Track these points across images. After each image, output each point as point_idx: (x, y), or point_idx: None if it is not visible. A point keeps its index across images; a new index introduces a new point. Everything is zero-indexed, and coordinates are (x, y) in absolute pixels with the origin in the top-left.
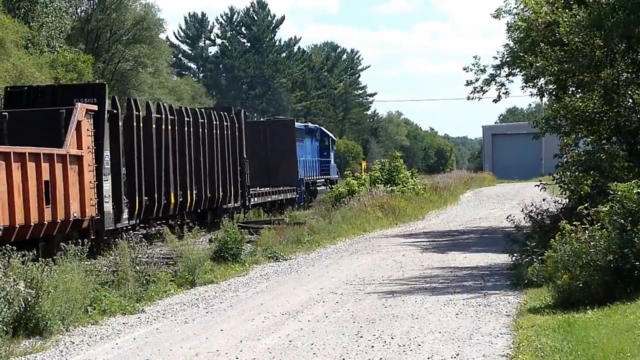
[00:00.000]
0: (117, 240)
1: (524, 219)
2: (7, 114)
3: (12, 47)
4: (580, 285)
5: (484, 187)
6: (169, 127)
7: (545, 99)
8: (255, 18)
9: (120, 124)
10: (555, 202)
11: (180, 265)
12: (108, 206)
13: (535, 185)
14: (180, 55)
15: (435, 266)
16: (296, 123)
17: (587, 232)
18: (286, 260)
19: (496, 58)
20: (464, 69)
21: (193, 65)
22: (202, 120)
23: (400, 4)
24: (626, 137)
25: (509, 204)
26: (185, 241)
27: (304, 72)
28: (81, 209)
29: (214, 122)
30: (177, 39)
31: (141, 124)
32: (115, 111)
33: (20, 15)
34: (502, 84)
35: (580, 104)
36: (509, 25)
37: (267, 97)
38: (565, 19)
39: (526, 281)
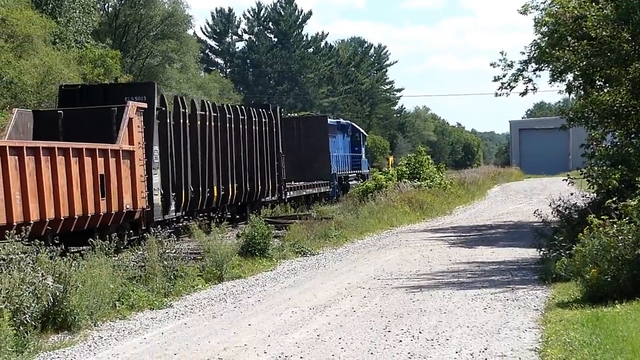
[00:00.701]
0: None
1: (552, 213)
2: (62, 111)
3: (39, 42)
4: (609, 279)
5: (511, 182)
6: (212, 123)
7: (573, 95)
8: (282, 13)
9: (168, 120)
10: (583, 197)
11: (208, 260)
12: (157, 198)
13: (562, 180)
14: (207, 51)
15: (463, 261)
16: (329, 119)
17: (615, 226)
18: (314, 255)
19: (523, 53)
20: (491, 64)
21: (220, 61)
22: (242, 117)
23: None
24: None
25: (537, 199)
26: (213, 236)
27: (331, 67)
28: (133, 201)
29: (253, 119)
30: (205, 34)
31: (187, 121)
32: (163, 108)
33: (47, 10)
34: (530, 79)
35: (608, 98)
36: (536, 20)
37: (294, 92)
38: (593, 13)
39: (554, 275)
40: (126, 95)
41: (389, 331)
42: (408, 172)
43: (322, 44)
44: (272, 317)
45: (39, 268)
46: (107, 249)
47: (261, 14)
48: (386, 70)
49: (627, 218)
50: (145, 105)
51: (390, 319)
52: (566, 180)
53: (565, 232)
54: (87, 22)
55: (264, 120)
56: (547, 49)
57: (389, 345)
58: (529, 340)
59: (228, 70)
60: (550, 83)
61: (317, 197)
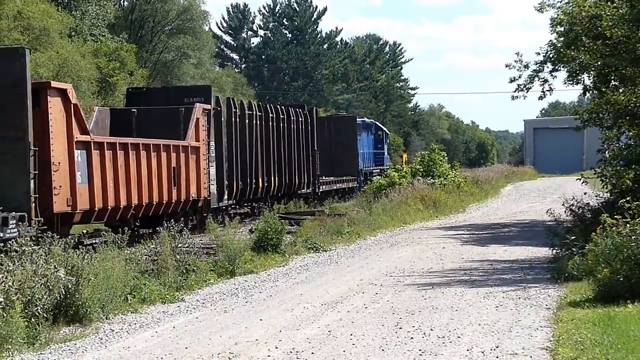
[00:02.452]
0: (219, 216)
1: (565, 212)
2: (135, 110)
3: (56, 36)
4: (621, 279)
5: (525, 181)
6: (257, 122)
7: (588, 95)
8: (298, 9)
9: (222, 119)
10: (596, 196)
11: (221, 254)
12: (213, 188)
13: (576, 179)
14: (222, 46)
15: (476, 259)
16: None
17: (628, 226)
18: (326, 251)
19: (539, 54)
20: (507, 65)
21: (235, 56)
22: (283, 116)
23: None
24: None
25: (550, 198)
26: (226, 231)
27: (345, 64)
28: (197, 191)
29: (292, 118)
30: (220, 29)
31: (238, 120)
32: (218, 108)
33: (63, 3)
34: (545, 80)
35: (623, 98)
36: (552, 19)
37: (309, 89)
38: (608, 13)
39: (566, 275)
40: (185, 97)
41: (401, 328)
42: (422, 169)
43: (337, 40)
44: (284, 312)
45: (52, 260)
46: (119, 241)
47: (276, 10)
48: (401, 68)
49: None
50: (209, 106)
51: (401, 315)
52: (580, 179)
53: (578, 232)
54: (102, 15)
55: (300, 119)
56: (562, 49)
57: (400, 342)
58: (540, 338)
59: (243, 65)
60: (565, 83)
61: (345, 191)
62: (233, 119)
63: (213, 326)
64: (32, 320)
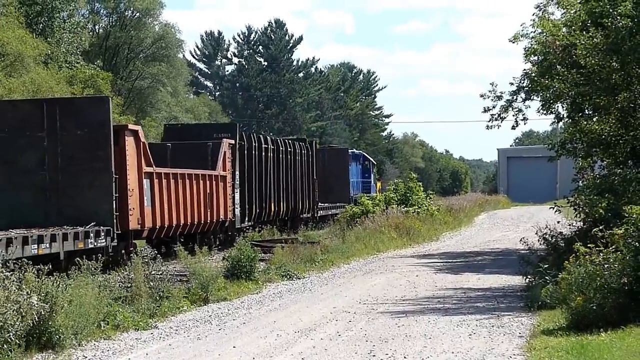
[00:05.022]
0: (240, 235)
1: (539, 241)
2: (170, 145)
3: (30, 62)
4: (594, 307)
5: (498, 210)
6: (270, 154)
7: (561, 124)
8: (273, 37)
9: (245, 152)
10: (569, 225)
11: (194, 282)
12: (237, 211)
13: (549, 208)
14: (197, 74)
15: (449, 287)
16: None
17: (601, 254)
18: (299, 279)
19: (512, 84)
20: (481, 96)
21: (209, 84)
22: (289, 149)
23: (417, 24)
24: None
25: (524, 227)
26: (198, 258)
27: (320, 92)
28: (225, 213)
29: (296, 150)
30: (194, 57)
31: (256, 152)
32: (242, 143)
33: (38, 30)
34: (519, 110)
35: (597, 127)
36: (527, 49)
37: (283, 116)
38: (583, 42)
39: (540, 303)
40: (215, 132)
41: (374, 356)
42: (396, 197)
43: (312, 69)
44: (257, 339)
45: (24, 287)
46: (93, 268)
47: (251, 38)
48: (375, 96)
49: (613, 246)
50: (233, 141)
51: (375, 343)
52: (553, 208)
53: (551, 260)
54: (76, 42)
55: (303, 151)
56: (536, 78)
57: None
58: None
59: (217, 93)
60: (539, 112)
61: (336, 216)
62: (252, 152)
63: (186, 353)
64: (5, 346)
